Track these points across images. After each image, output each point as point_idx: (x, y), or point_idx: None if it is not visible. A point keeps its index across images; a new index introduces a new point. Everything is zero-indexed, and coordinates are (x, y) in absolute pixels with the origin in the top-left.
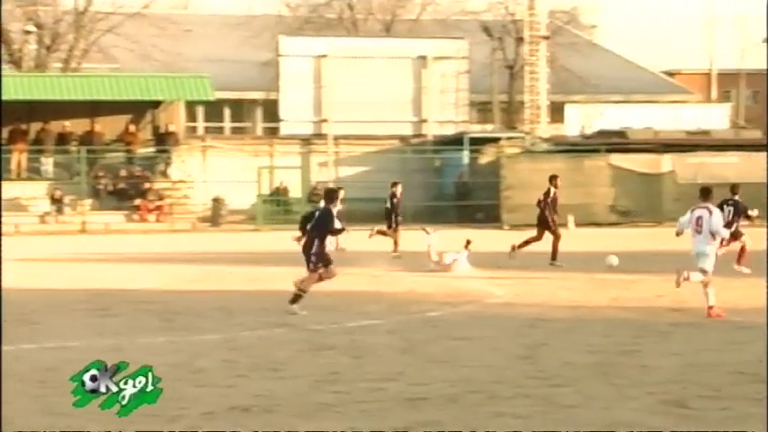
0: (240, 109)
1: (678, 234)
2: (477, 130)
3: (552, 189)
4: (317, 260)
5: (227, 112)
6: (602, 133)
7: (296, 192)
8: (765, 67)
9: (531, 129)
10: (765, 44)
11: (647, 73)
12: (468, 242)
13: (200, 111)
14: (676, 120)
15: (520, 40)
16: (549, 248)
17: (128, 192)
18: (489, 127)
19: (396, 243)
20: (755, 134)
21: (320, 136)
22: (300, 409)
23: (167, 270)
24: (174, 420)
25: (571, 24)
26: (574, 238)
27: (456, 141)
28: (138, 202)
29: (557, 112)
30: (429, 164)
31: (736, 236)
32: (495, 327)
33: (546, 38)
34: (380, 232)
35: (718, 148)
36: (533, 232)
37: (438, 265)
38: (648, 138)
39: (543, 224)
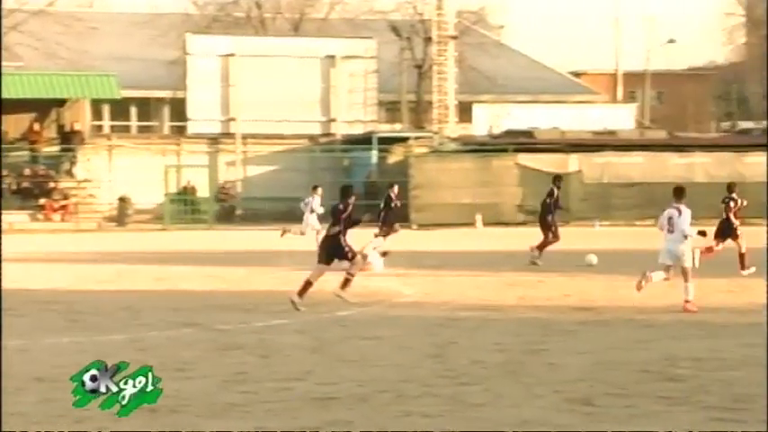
0: (147, 107)
1: (662, 230)
2: (386, 129)
3: (555, 190)
4: (350, 249)
5: (133, 110)
6: (509, 133)
7: (203, 191)
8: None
9: (440, 128)
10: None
11: (554, 73)
12: (386, 252)
13: (106, 109)
14: (583, 120)
15: (428, 39)
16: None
17: (32, 191)
18: (398, 126)
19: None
20: (660, 134)
21: (228, 135)
22: (208, 409)
23: (73, 270)
24: (81, 421)
25: (479, 24)
26: (482, 238)
27: (364, 141)
28: (42, 201)
29: (465, 111)
30: (338, 163)
31: (734, 235)
32: (405, 326)
33: (454, 38)
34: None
35: (624, 148)
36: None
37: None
38: (555, 138)
39: (546, 226)
